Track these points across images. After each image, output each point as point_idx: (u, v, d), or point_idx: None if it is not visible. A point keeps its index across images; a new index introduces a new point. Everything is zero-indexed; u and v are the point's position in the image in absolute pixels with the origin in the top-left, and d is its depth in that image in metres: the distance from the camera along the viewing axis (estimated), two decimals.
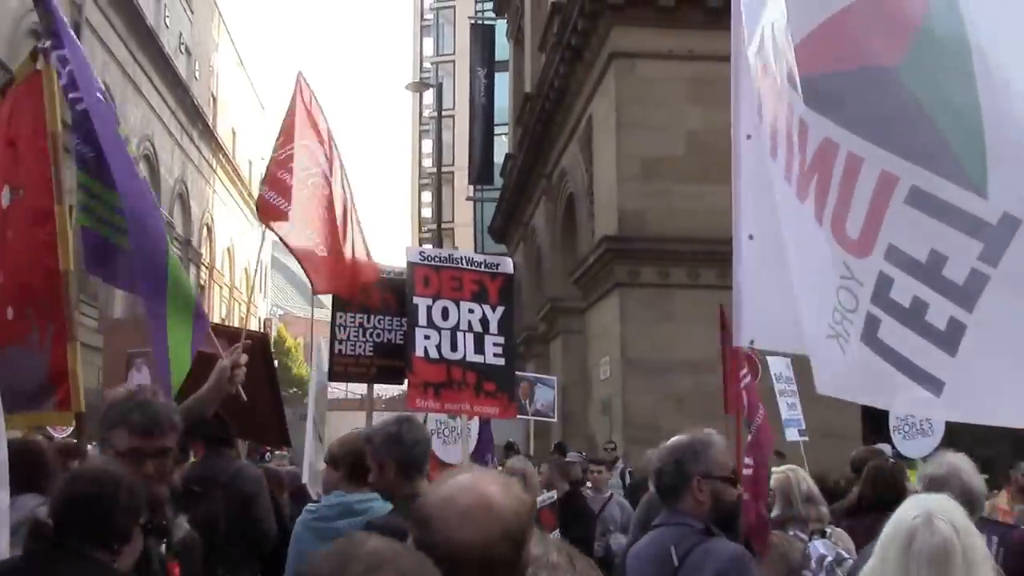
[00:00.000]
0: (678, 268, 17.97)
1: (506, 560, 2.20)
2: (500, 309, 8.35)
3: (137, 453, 3.84)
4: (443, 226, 59.08)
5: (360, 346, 8.54)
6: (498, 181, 37.95)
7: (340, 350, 8.54)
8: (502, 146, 38.68)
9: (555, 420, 15.76)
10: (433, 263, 8.29)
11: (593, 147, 20.67)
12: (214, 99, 48.23)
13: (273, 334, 52.41)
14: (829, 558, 5.07)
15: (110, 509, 3.27)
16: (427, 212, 62.68)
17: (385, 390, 40.15)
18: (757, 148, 4.37)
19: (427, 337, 7.97)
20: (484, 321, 8.25)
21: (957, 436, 8.45)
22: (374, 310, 8.52)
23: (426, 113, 65.83)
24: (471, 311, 8.21)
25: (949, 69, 3.00)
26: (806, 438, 12.09)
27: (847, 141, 3.26)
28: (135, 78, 34.76)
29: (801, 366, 12.35)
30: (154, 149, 36.53)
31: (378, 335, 8.57)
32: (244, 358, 4.94)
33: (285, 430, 8.42)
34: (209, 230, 47.25)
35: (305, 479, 8.96)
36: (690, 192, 17.86)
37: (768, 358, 11.87)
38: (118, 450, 3.85)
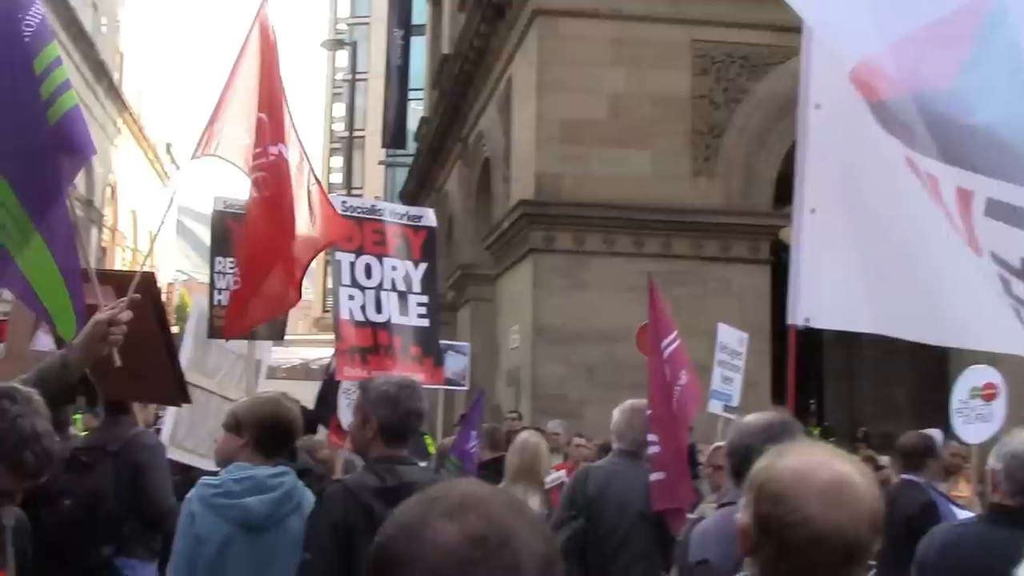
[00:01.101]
0: (594, 235, 17.74)
1: (867, 550, 2.00)
2: (423, 266, 7.83)
3: (5, 496, 3.11)
4: (353, 192, 58.43)
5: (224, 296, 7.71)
6: (411, 147, 37.49)
7: (219, 301, 7.76)
8: (416, 112, 38.22)
9: (467, 389, 15.38)
10: (355, 214, 7.64)
11: (512, 109, 20.32)
12: (121, 56, 46.96)
13: (176, 300, 51.30)
14: None
15: None
16: (336, 177, 61.86)
17: (318, 355, 39.43)
18: (827, 119, 4.29)
19: (351, 298, 7.40)
20: (407, 279, 7.72)
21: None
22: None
23: (339, 76, 64.96)
24: (394, 268, 7.65)
25: (1005, 81, 3.11)
26: (733, 416, 11.77)
27: (921, 163, 3.32)
28: None
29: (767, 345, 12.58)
30: None
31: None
32: (127, 315, 4.04)
33: (183, 387, 7.21)
34: (113, 191, 46.22)
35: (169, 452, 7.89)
36: (610, 157, 17.70)
37: (720, 325, 11.69)
38: None
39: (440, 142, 29.73)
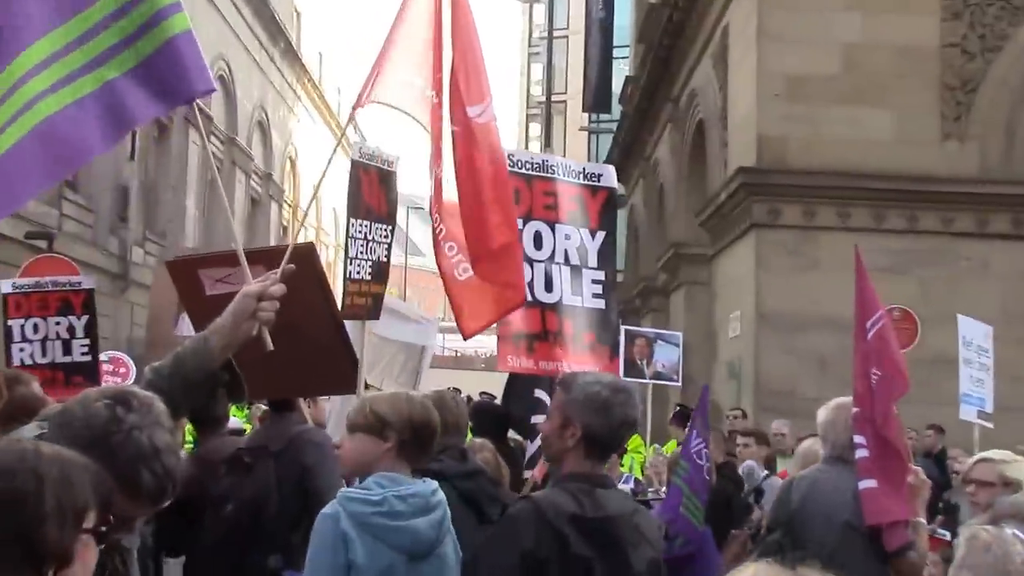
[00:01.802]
0: (826, 207, 17.32)
1: None
2: (600, 235, 7.48)
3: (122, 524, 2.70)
4: None
5: (362, 267, 7.20)
6: (616, 112, 37.36)
7: (351, 273, 7.18)
8: (621, 73, 37.95)
9: (678, 384, 15.12)
10: (524, 171, 7.29)
11: (729, 63, 20.01)
12: (298, 14, 47.89)
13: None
14: None
15: (29, 516, 2.25)
16: (534, 146, 61.96)
17: (482, 345, 39.59)
18: None
19: None
20: (582, 251, 7.38)
21: None
22: (371, 212, 7.27)
23: (536, 33, 65.06)
24: (567, 237, 7.31)
25: None
26: (988, 424, 11.23)
27: None
28: None
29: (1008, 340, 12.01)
30: (229, 69, 35.99)
31: (373, 250, 7.24)
32: (279, 288, 3.73)
33: (354, 373, 7.02)
34: (292, 164, 47.16)
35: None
36: (843, 117, 17.24)
37: (960, 318, 11.26)
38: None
39: (648, 104, 29.52)
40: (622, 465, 15.16)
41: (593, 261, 7.41)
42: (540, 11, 60.58)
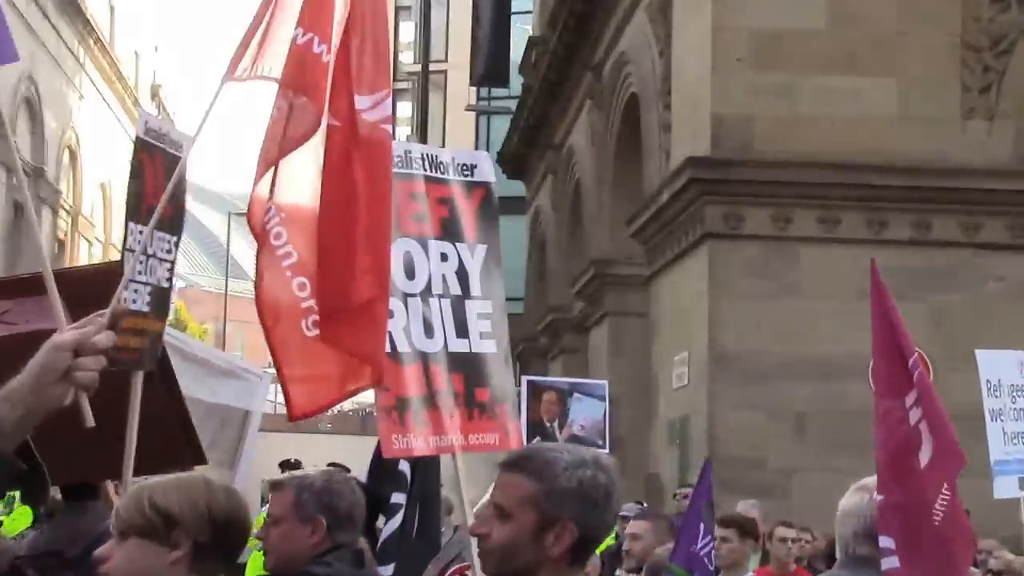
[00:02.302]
0: (806, 211, 17.39)
1: None
2: (481, 250, 7.00)
3: None
4: None
5: (139, 294, 6.58)
6: (516, 86, 37.60)
7: (123, 301, 6.31)
8: (523, 34, 38.32)
9: (606, 451, 14.66)
10: None
11: (672, 17, 19.89)
12: None
13: (169, 317, 52.27)
14: None
15: None
16: (404, 131, 61.83)
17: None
18: None
19: (390, 313, 6.35)
20: (463, 275, 6.90)
21: None
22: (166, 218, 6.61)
23: None
24: (444, 258, 6.81)
25: None
26: None
27: None
28: None
29: None
30: None
31: (153, 270, 6.64)
32: (107, 338, 3.45)
33: (196, 441, 7.03)
34: (73, 156, 47.10)
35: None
36: (830, 89, 17.30)
37: (980, 354, 10.89)
38: None
39: (559, 74, 29.51)
40: None
41: (476, 288, 6.94)
42: None
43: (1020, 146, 17.20)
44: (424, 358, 6.57)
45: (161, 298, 6.64)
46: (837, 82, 17.14)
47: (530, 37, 35.11)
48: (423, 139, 39.59)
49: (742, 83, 17.45)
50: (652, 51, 21.03)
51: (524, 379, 14.52)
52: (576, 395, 15.27)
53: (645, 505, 13.21)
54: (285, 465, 17.37)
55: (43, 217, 41.71)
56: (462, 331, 6.78)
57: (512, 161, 36.90)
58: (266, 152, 5.67)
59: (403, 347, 6.50)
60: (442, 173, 6.95)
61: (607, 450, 14.85)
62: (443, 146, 57.05)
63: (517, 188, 37.52)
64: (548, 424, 14.07)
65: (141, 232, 6.36)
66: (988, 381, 10.63)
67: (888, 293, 6.30)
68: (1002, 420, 10.63)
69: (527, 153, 34.56)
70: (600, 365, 23.88)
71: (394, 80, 65.25)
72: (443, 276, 6.77)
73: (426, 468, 7.80)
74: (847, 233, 16.96)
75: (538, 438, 13.45)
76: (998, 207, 16.94)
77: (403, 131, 61.40)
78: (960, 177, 16.70)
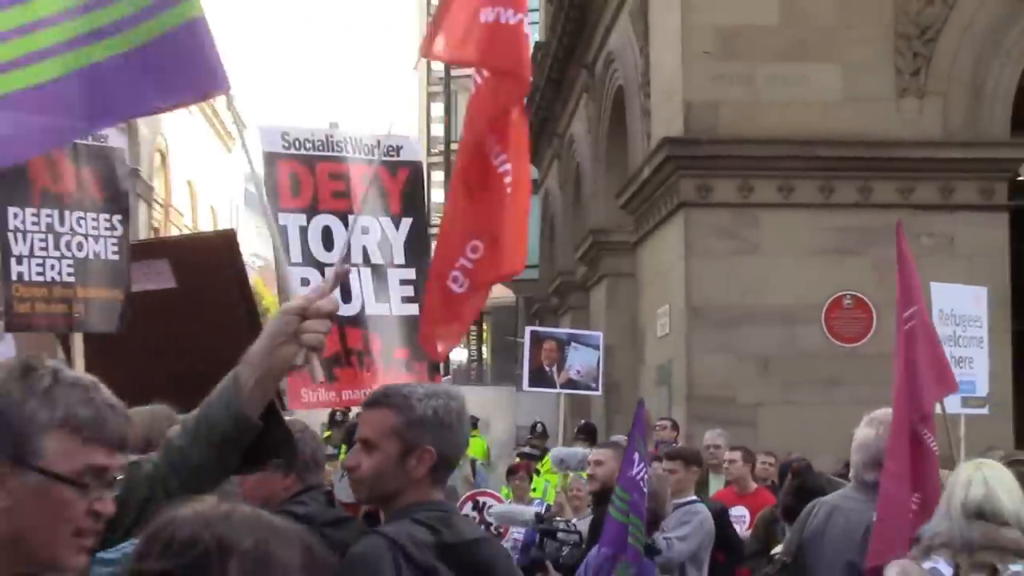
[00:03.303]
0: (765, 181, 17.03)
1: None
2: (407, 223, 6.61)
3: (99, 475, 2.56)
4: (456, 148, 58.04)
5: (52, 267, 6.22)
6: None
7: (20, 275, 6.12)
8: (532, 39, 37.59)
9: (599, 393, 14.52)
10: (303, 151, 6.40)
11: (650, 19, 19.59)
12: None
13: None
14: None
15: None
16: (437, 129, 61.36)
17: None
18: None
19: (305, 281, 6.02)
20: (385, 246, 6.51)
21: None
22: (68, 199, 6.25)
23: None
24: (365, 231, 6.44)
25: None
26: (982, 410, 10.50)
27: None
28: None
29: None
30: None
31: (79, 245, 6.29)
32: (330, 303, 3.31)
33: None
34: (163, 157, 46.53)
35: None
36: (784, 76, 17.00)
37: (935, 286, 10.40)
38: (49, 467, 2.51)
39: (560, 72, 29.29)
40: (534, 490, 14.50)
41: (400, 257, 6.54)
42: None
43: (947, 120, 16.92)
44: (340, 321, 6.07)
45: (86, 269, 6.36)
46: (789, 69, 16.88)
47: (536, 42, 34.74)
48: (450, 134, 39.36)
49: (709, 73, 17.13)
50: (634, 49, 20.75)
51: (528, 329, 14.26)
52: (573, 344, 14.96)
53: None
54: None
55: (139, 209, 41.76)
56: (382, 296, 6.44)
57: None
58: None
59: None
60: (367, 155, 6.59)
61: (599, 392, 14.73)
62: None
63: (530, 172, 37.26)
64: (548, 369, 13.77)
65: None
66: (940, 310, 10.23)
67: (907, 249, 6.31)
68: (949, 345, 10.34)
69: (537, 142, 33.90)
70: (599, 319, 23.60)
71: (427, 84, 65.23)
72: (364, 247, 6.42)
73: None
74: (801, 199, 16.70)
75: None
76: (929, 173, 16.67)
77: (438, 128, 61.00)
78: (896, 148, 16.42)
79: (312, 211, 6.34)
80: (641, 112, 20.34)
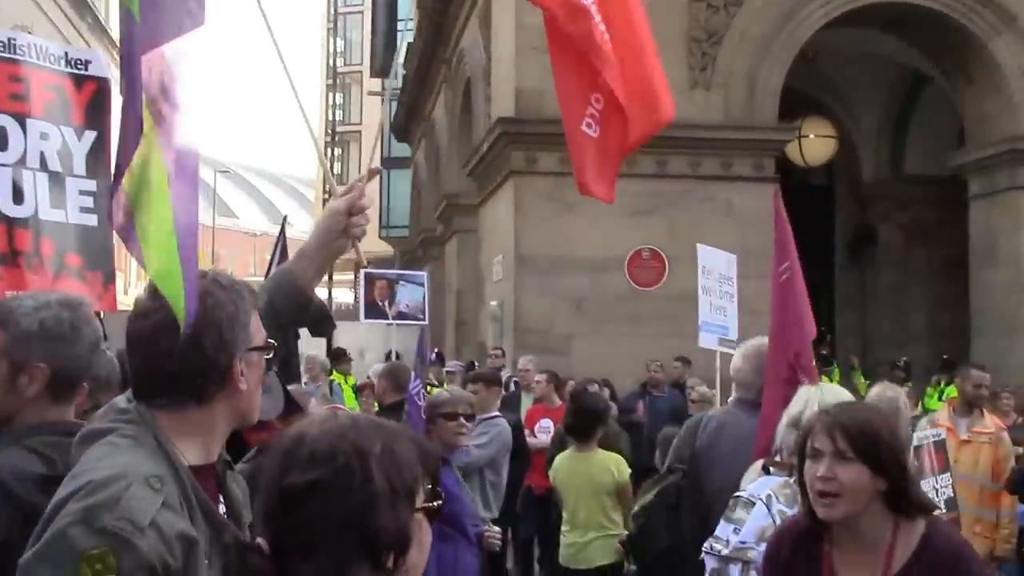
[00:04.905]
0: None
1: None
2: (90, 136, 5.48)
3: None
4: (351, 128, 56.80)
5: None
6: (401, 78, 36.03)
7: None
8: (406, 41, 36.77)
9: (425, 323, 13.68)
10: None
11: (492, 20, 18.66)
12: None
13: None
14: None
15: (358, 501, 1.84)
16: (339, 115, 59.90)
17: None
18: None
19: None
20: (65, 154, 5.39)
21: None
22: None
23: (337, 9, 62.86)
24: (44, 136, 5.31)
25: None
26: (731, 350, 9.92)
27: None
28: None
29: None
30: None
31: None
32: (368, 201, 3.14)
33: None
34: None
35: None
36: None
37: (700, 248, 10.15)
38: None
39: (426, 67, 28.40)
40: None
41: (80, 168, 5.41)
42: None
43: (727, 108, 16.36)
44: (8, 222, 5.12)
45: None
46: None
47: (408, 44, 33.85)
48: (348, 117, 38.25)
49: (537, 65, 15.76)
50: (480, 47, 19.97)
51: (362, 271, 13.52)
52: (402, 282, 14.60)
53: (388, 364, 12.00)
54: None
55: None
56: (58, 202, 5.33)
57: (400, 130, 35.74)
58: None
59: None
60: (51, 63, 5.45)
61: (426, 323, 13.96)
62: (360, 122, 55.93)
63: (405, 150, 36.42)
64: (380, 303, 13.07)
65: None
66: (704, 267, 10.08)
67: (783, 212, 5.67)
68: (710, 296, 10.04)
69: (409, 123, 33.30)
70: (452, 267, 23.12)
71: (326, 78, 63.81)
72: (41, 152, 5.28)
73: None
74: None
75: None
76: (712, 150, 16.07)
77: (338, 113, 59.58)
78: (687, 129, 15.51)
79: None
80: (484, 97, 19.57)
